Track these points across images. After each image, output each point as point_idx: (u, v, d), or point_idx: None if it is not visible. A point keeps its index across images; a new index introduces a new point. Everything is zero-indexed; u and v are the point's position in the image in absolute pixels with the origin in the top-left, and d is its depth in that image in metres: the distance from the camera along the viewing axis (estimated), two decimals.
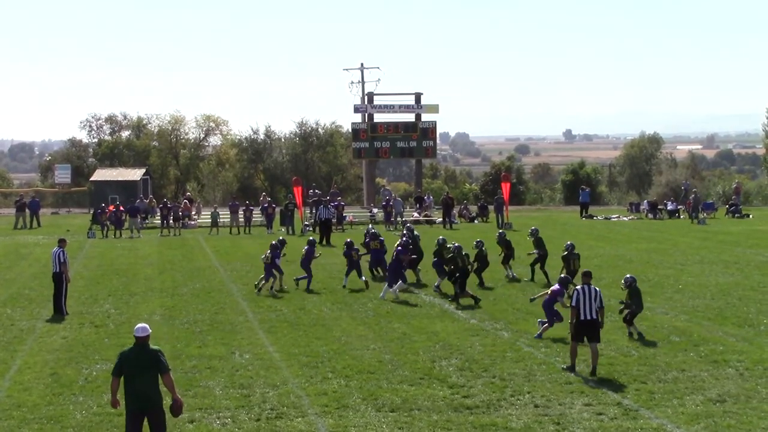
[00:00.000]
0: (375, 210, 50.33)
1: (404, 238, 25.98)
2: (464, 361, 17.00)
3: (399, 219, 45.43)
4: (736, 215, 49.60)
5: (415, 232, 29.33)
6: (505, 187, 47.78)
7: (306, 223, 44.18)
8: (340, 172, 75.57)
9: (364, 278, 25.99)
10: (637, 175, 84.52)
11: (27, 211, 47.72)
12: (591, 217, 50.08)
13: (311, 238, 28.89)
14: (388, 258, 26.17)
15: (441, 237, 27.05)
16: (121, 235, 42.91)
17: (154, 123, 79.10)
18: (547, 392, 14.88)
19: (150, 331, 11.63)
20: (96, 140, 78.05)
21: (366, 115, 56.41)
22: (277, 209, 46.46)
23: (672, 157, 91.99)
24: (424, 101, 56.89)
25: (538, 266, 26.88)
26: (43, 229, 46.29)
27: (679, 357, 17.13)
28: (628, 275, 19.74)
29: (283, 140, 78.11)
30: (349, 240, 27.22)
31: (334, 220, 42.36)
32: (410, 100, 57.12)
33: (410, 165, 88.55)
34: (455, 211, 48.90)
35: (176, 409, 11.66)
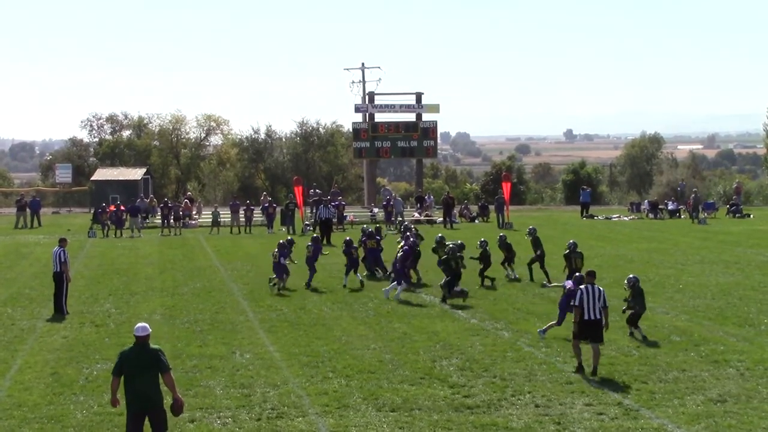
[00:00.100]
0: (376, 210, 50.34)
1: (412, 239, 25.89)
2: (465, 360, 16.99)
3: (399, 219, 45.43)
4: (736, 215, 49.59)
5: (414, 231, 29.42)
6: (506, 187, 47.78)
7: (306, 222, 44.18)
8: (341, 171, 75.58)
9: (360, 277, 26.05)
10: (638, 175, 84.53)
11: (28, 210, 47.73)
12: (591, 216, 50.07)
13: (315, 235, 29.09)
14: (385, 257, 26.18)
15: (439, 235, 27.09)
16: (121, 234, 42.92)
17: (154, 122, 79.22)
18: (548, 392, 14.88)
19: (150, 330, 11.62)
20: (97, 140, 78.08)
21: (367, 114, 56.40)
22: (278, 209, 46.45)
23: (673, 157, 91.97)
24: (424, 101, 56.89)
25: (536, 266, 26.90)
26: (43, 228, 46.29)
27: (679, 357, 17.13)
28: (631, 275, 19.71)
29: (283, 140, 78.13)
30: (348, 238, 27.30)
31: (334, 220, 42.37)
32: (411, 100, 57.14)
33: (411, 165, 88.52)
34: (456, 210, 48.90)
35: (177, 408, 11.65)
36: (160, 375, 11.43)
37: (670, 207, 50.99)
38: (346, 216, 46.73)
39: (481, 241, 26.72)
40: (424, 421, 13.52)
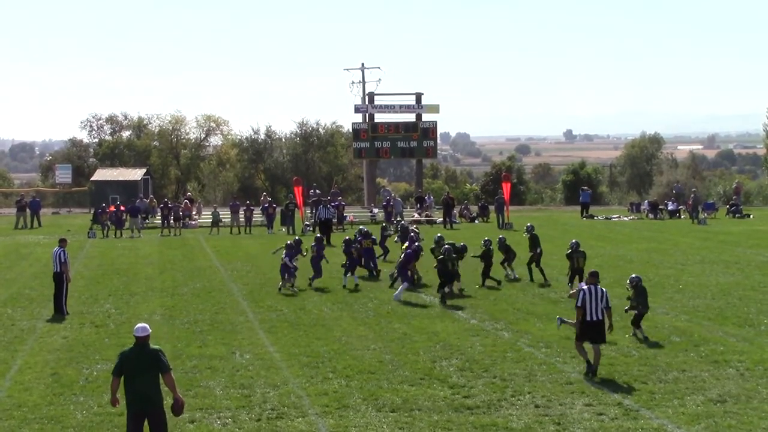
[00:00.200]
0: (375, 210, 50.35)
1: (416, 243, 25.85)
2: (465, 361, 16.99)
3: (396, 219, 45.41)
4: (736, 215, 49.60)
5: (411, 229, 29.56)
6: (506, 187, 47.79)
7: (306, 223, 44.18)
8: (341, 172, 75.60)
9: (356, 279, 26.08)
10: (638, 175, 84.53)
11: (28, 211, 47.74)
12: (591, 217, 50.08)
13: (318, 235, 29.22)
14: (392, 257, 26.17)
15: (438, 235, 27.10)
16: (121, 234, 42.92)
17: (154, 123, 79.21)
18: (548, 392, 14.88)
19: (150, 330, 11.62)
20: (97, 140, 78.06)
21: (367, 115, 56.39)
22: (278, 209, 46.45)
23: (673, 157, 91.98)
24: (424, 101, 56.88)
25: (534, 265, 26.91)
26: (43, 228, 46.30)
27: (679, 357, 17.12)
28: (633, 275, 19.68)
29: (283, 140, 78.14)
30: (348, 238, 27.37)
31: (334, 220, 42.35)
32: (411, 100, 57.12)
33: (411, 165, 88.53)
34: (456, 211, 48.90)
35: (178, 408, 11.66)
36: (160, 375, 11.43)
37: (669, 207, 50.99)
38: (346, 216, 46.74)
39: (485, 240, 26.72)
40: (424, 421, 13.52)
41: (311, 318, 21.44)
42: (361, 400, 14.56)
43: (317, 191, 48.69)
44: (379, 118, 56.93)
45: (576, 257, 24.46)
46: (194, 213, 48.97)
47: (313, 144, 76.03)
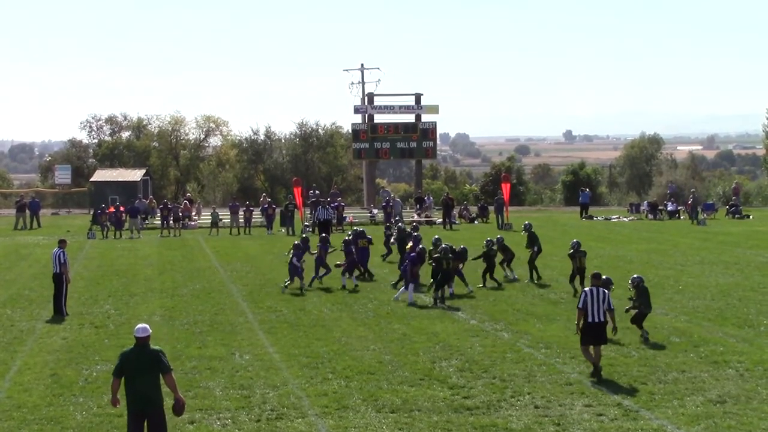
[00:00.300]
0: (375, 211, 50.35)
1: (421, 246, 25.80)
2: (464, 362, 16.99)
3: (396, 219, 45.39)
4: (736, 216, 49.60)
5: (406, 229, 29.64)
6: (506, 188, 47.81)
7: (306, 223, 44.18)
8: (341, 172, 75.57)
9: (355, 281, 26.10)
10: (638, 175, 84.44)
11: (27, 211, 47.73)
12: (591, 217, 50.10)
13: (323, 235, 29.41)
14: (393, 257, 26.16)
15: (436, 236, 27.07)
16: (121, 235, 42.92)
17: (154, 124, 79.12)
18: (548, 393, 14.88)
19: (150, 331, 11.62)
20: (96, 141, 77.99)
21: (366, 115, 56.40)
22: (278, 210, 46.46)
23: (672, 157, 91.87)
24: (424, 102, 56.88)
25: (528, 261, 26.92)
26: (43, 229, 46.30)
27: (679, 358, 17.13)
28: (635, 275, 19.68)
29: (283, 141, 78.08)
30: (347, 238, 27.39)
31: (334, 221, 42.34)
32: (410, 101, 57.12)
33: (410, 166, 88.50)
34: (455, 211, 48.91)
35: (179, 408, 11.66)
36: (161, 376, 11.43)
37: (669, 208, 50.99)
38: (345, 217, 46.75)
39: (487, 241, 26.70)
40: (424, 422, 13.52)
41: (311, 319, 21.44)
42: (361, 401, 14.56)
43: (317, 192, 48.71)
44: (379, 118, 56.93)
45: (578, 257, 24.46)
46: (194, 214, 48.98)
47: (312, 145, 76.00)
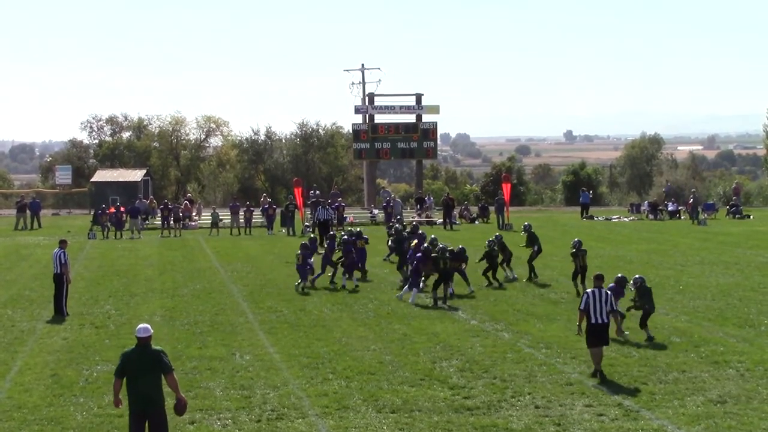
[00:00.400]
0: (375, 211, 50.35)
1: (425, 245, 25.79)
2: (465, 362, 17.00)
3: (396, 219, 45.37)
4: (736, 216, 49.59)
5: (404, 231, 29.65)
6: (506, 188, 47.80)
7: (306, 224, 44.17)
8: (341, 173, 75.57)
9: (356, 281, 26.12)
10: (638, 175, 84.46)
11: (28, 212, 47.75)
12: (591, 217, 50.10)
13: (331, 233, 29.83)
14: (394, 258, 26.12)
15: (432, 236, 27.06)
16: (121, 236, 42.92)
17: (154, 124, 79.11)
18: (548, 393, 14.88)
19: (152, 331, 11.62)
20: (96, 141, 77.98)
21: (367, 116, 56.38)
22: (278, 210, 46.45)
23: (673, 157, 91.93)
24: (424, 102, 56.85)
25: (536, 263, 26.90)
26: (43, 230, 46.31)
27: (679, 358, 17.13)
28: (636, 276, 19.68)
29: (283, 141, 78.07)
30: (345, 237, 27.41)
31: (334, 221, 42.32)
32: (411, 101, 57.08)
33: (411, 166, 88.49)
34: (456, 212, 48.90)
35: (180, 408, 11.66)
36: (162, 376, 11.44)
37: (669, 208, 50.99)
38: (346, 217, 46.74)
39: (489, 241, 26.69)
40: (424, 422, 13.52)
41: (311, 319, 21.44)
42: (361, 401, 14.56)
43: (317, 192, 48.71)
44: (379, 118, 56.90)
45: (580, 255, 24.46)
46: (194, 214, 48.98)
47: (313, 145, 76.00)
